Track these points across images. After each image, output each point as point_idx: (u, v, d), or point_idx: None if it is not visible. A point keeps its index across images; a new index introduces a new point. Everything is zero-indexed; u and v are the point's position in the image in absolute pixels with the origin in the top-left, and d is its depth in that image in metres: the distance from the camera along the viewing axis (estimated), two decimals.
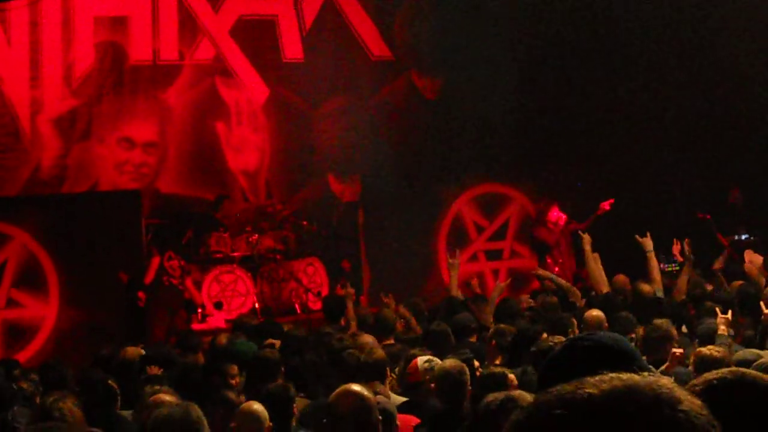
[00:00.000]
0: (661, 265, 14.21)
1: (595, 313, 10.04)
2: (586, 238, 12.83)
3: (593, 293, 12.28)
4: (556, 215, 17.13)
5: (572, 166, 18.91)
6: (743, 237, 18.31)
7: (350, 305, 12.30)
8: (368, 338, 9.66)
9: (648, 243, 12.47)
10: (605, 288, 12.23)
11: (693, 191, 18.90)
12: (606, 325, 9.63)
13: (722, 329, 8.89)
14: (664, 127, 19.28)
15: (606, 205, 16.48)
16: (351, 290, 12.65)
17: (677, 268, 16.67)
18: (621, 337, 3.38)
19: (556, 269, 16.53)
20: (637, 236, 12.60)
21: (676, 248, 13.19)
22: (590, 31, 19.50)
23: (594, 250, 12.63)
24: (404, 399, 7.83)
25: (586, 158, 18.98)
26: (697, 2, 19.15)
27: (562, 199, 18.06)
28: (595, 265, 12.54)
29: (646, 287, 11.79)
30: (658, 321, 9.11)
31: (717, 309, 9.60)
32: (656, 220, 16.73)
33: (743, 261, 14.64)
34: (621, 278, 13.03)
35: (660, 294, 11.93)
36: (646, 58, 19.55)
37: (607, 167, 18.82)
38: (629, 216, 17.34)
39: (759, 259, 14.33)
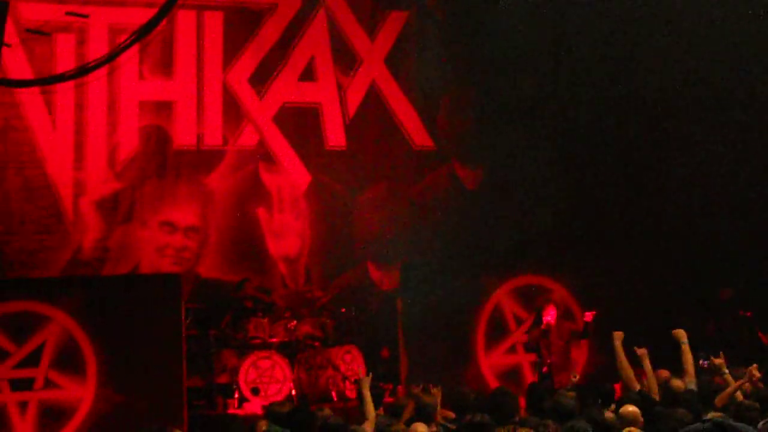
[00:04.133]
0: (701, 362, 14.03)
1: (631, 408, 9.98)
2: (617, 335, 12.67)
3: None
4: (550, 315, 16.63)
5: (615, 257, 18.81)
6: None
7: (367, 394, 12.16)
8: (421, 428, 9.60)
9: (682, 334, 12.31)
10: (636, 385, 12.08)
11: (735, 288, 18.76)
12: (642, 420, 9.58)
13: None
14: (710, 219, 19.23)
15: (589, 317, 16.17)
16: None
17: None
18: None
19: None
20: (673, 330, 12.44)
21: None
22: (634, 118, 19.62)
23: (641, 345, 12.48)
24: None
25: (629, 250, 18.90)
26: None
27: (600, 293, 17.97)
28: (626, 361, 12.37)
29: (677, 382, 11.60)
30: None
31: None
32: (697, 316, 16.67)
33: None
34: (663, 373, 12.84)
35: (692, 386, 11.73)
36: (692, 142, 19.58)
37: (650, 259, 18.75)
38: (670, 311, 17.30)
39: None
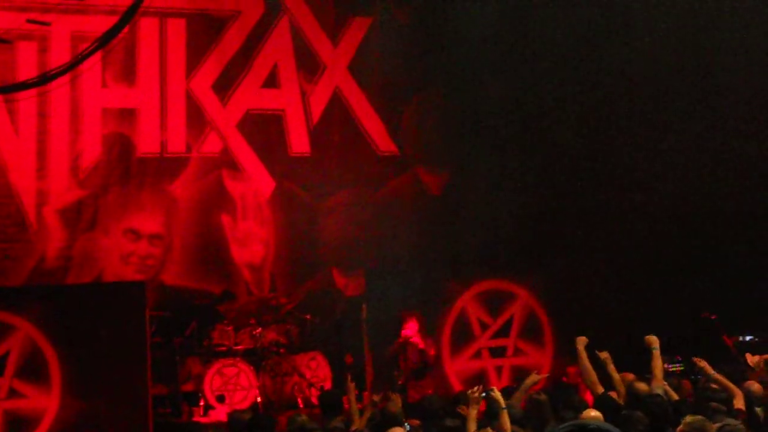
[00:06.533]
0: (665, 365, 14.07)
1: (594, 413, 10.00)
2: (581, 340, 12.69)
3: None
4: (409, 329, 16.78)
5: (579, 262, 18.88)
6: (747, 338, 18.20)
7: (353, 398, 12.15)
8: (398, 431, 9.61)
9: (654, 340, 12.36)
10: (600, 389, 12.11)
11: (698, 291, 18.83)
12: None
13: None
14: (670, 222, 19.31)
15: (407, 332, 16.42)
16: (351, 384, 12.46)
17: (681, 368, 16.59)
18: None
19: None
20: (645, 336, 12.48)
21: None
22: (599, 123, 19.71)
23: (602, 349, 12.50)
24: None
25: (593, 254, 18.98)
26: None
27: (564, 297, 18.04)
28: (589, 365, 12.38)
29: (641, 385, 11.61)
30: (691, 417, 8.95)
31: None
32: (660, 319, 16.70)
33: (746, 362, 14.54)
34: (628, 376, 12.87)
35: (660, 392, 11.77)
36: (659, 145, 19.68)
37: (615, 263, 18.83)
38: (633, 314, 17.37)
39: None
